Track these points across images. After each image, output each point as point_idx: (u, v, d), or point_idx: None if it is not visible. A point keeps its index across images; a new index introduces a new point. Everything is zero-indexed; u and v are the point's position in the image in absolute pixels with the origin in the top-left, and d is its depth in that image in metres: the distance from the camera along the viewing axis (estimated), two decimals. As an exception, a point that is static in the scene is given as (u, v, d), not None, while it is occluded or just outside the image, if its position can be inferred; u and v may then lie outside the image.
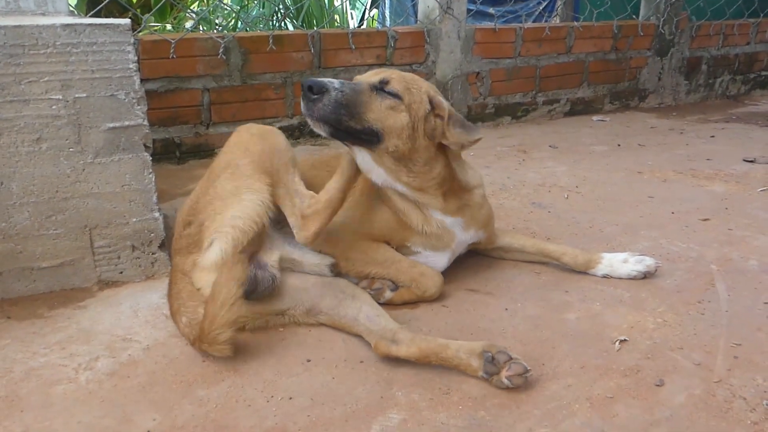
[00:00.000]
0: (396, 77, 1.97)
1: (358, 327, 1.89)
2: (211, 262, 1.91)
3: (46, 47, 1.99)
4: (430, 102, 1.99)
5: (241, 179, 1.99)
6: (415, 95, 1.97)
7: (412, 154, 1.98)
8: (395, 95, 1.94)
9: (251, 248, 1.95)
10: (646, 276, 2.28)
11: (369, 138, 1.92)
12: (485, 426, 1.54)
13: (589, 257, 2.31)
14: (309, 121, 1.90)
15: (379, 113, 1.91)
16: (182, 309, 1.91)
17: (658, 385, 1.69)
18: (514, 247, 2.41)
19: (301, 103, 1.88)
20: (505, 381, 1.65)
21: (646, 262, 2.29)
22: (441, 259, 2.18)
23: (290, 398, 1.65)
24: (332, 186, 1.98)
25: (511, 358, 1.67)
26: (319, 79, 1.86)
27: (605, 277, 2.28)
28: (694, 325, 1.98)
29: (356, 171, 2.01)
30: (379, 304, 2.02)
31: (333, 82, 1.87)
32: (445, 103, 2.01)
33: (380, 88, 1.94)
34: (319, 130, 1.91)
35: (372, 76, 2.00)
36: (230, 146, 2.10)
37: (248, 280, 1.85)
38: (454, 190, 2.12)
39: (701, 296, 2.16)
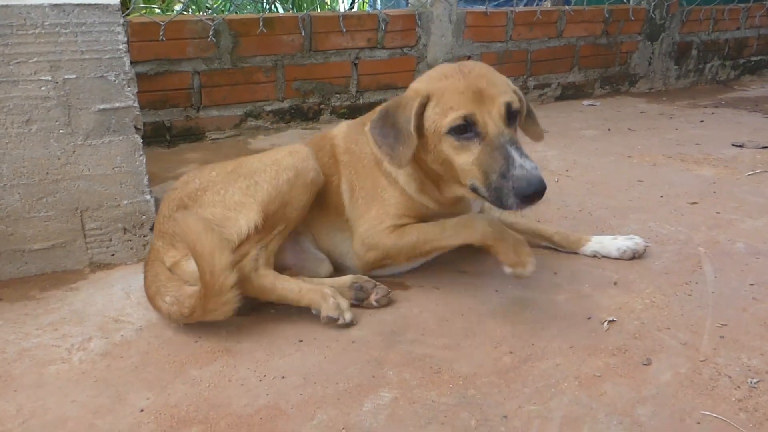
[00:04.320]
0: (509, 94, 1.88)
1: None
2: (190, 275, 1.87)
3: (35, 27, 1.98)
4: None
5: (248, 199, 1.91)
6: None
7: None
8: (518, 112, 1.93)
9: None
10: (634, 256, 2.30)
11: None
12: (475, 404, 1.56)
13: (580, 236, 2.36)
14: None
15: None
16: (162, 290, 1.86)
17: (645, 364, 1.72)
18: (505, 224, 2.41)
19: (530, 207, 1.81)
20: (374, 303, 1.98)
21: (636, 240, 2.33)
22: None
23: (282, 377, 1.67)
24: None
25: (376, 285, 2.01)
26: (538, 176, 1.75)
27: (594, 255, 2.31)
28: (682, 305, 2.01)
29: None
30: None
31: (535, 168, 1.77)
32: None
33: (510, 115, 1.87)
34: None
35: (491, 105, 1.84)
36: (270, 157, 2.01)
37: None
38: None
39: (689, 278, 2.19)
